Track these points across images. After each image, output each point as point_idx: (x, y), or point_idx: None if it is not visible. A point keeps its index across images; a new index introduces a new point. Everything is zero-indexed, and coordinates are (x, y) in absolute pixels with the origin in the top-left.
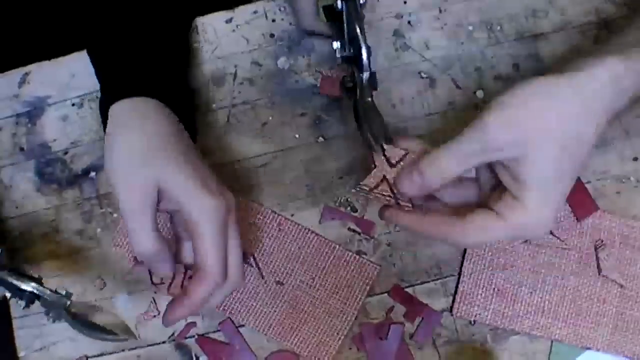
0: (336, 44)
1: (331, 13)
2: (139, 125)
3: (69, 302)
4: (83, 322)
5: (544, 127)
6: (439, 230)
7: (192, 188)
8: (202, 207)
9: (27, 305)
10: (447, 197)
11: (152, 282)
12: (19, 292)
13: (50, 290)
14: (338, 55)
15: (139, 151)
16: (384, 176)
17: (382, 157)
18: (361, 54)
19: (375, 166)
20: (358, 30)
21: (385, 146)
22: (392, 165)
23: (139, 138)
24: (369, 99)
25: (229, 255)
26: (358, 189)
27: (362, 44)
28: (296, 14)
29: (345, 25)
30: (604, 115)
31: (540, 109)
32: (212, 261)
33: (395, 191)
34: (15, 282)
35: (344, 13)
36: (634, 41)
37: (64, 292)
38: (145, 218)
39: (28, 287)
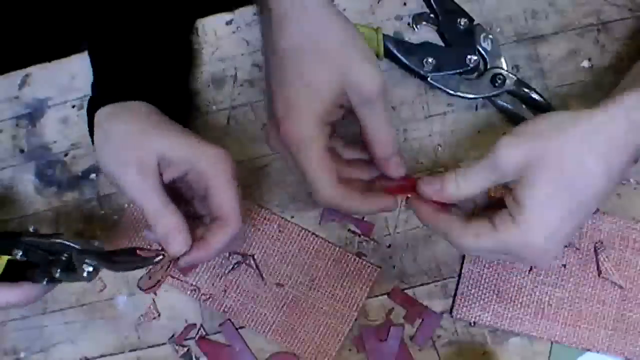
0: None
1: None
2: (128, 116)
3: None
4: (121, 259)
5: (546, 153)
6: (443, 226)
7: (197, 144)
8: (214, 157)
9: (95, 270)
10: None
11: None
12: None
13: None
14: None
15: (132, 133)
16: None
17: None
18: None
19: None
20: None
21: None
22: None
23: (130, 125)
24: None
25: None
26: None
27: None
28: None
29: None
30: (617, 150)
31: (548, 138)
32: (230, 208)
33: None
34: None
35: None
36: None
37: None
38: (156, 192)
39: (76, 245)
